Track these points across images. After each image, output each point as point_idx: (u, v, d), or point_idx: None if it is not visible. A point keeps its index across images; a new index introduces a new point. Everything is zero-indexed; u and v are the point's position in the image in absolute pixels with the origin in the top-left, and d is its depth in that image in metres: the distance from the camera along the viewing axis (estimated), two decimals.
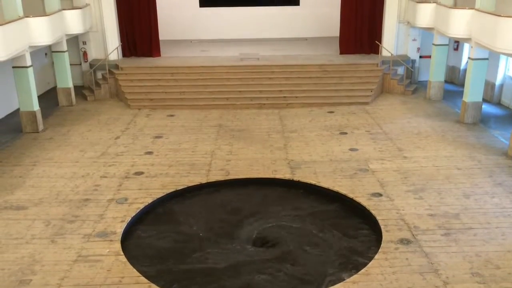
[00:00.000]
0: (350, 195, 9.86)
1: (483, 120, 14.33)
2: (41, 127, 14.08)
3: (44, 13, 15.00)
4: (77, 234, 8.57)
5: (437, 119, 14.68)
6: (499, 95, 16.13)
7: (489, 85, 16.00)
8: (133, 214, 9.23)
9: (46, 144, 13.01)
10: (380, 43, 18.23)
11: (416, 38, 18.46)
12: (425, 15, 16.48)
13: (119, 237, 8.46)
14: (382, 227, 8.66)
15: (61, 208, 9.51)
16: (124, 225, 8.84)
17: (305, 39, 22.37)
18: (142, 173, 11.10)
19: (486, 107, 15.19)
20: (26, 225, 8.90)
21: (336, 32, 19.69)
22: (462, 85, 15.86)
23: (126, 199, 9.80)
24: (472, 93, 13.97)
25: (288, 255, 8.16)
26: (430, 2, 16.62)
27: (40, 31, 13.88)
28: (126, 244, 8.47)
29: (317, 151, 12.30)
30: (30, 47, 13.64)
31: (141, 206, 9.53)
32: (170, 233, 8.93)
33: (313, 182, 10.53)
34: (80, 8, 17.03)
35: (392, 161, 11.59)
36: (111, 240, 8.36)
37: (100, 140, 13.29)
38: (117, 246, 8.21)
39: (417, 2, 17.03)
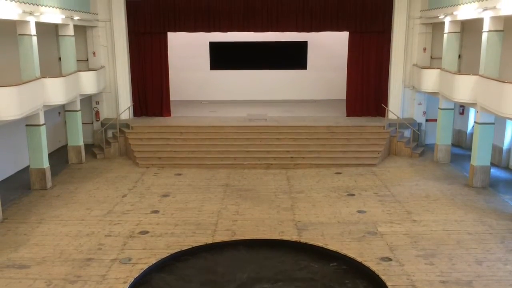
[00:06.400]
0: (359, 259, 9.62)
1: (492, 184, 14.19)
2: (49, 184, 14.17)
3: (60, 74, 15.58)
4: None
5: (446, 182, 14.58)
6: (507, 160, 16.08)
7: (496, 149, 16.01)
8: (136, 275, 9.03)
9: (53, 202, 13.02)
10: (386, 106, 18.56)
11: (422, 102, 18.78)
12: (430, 80, 16.86)
13: None
14: None
15: (63, 267, 9.34)
16: (126, 286, 8.62)
17: (314, 101, 22.85)
18: (147, 232, 10.98)
19: (494, 171, 15.10)
20: (27, 284, 8.70)
21: (343, 95, 20.13)
22: (469, 149, 15.90)
23: (130, 259, 9.63)
24: (480, 157, 13.96)
25: None
26: (434, 68, 17.08)
27: (55, 91, 14.32)
28: None
29: (325, 212, 12.17)
30: (45, 106, 14.03)
31: (145, 266, 9.35)
32: None
33: (320, 244, 10.32)
34: (96, 70, 17.69)
35: (401, 224, 11.39)
36: None
37: (107, 198, 13.29)
38: None
39: (421, 68, 17.51)
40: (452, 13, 15.15)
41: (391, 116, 18.33)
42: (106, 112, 18.99)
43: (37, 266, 9.38)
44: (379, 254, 9.82)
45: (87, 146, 17.80)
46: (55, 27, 17.24)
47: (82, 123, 17.12)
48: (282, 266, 9.69)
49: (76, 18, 15.84)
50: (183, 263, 9.82)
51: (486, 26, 13.22)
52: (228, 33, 19.83)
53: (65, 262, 9.54)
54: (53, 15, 14.18)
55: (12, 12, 11.70)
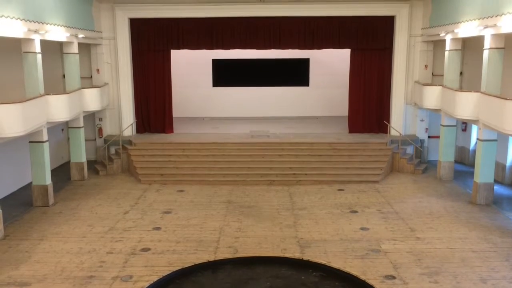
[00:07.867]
0: (362, 277, 9.52)
1: (496, 201, 14.10)
2: (51, 201, 14.14)
3: (64, 91, 15.67)
4: None
5: (449, 199, 14.50)
6: (511, 176, 16.01)
7: (499, 166, 15.96)
8: None
9: (55, 218, 12.98)
10: (389, 123, 18.58)
11: (424, 118, 18.81)
12: (432, 97, 16.90)
13: None
14: None
15: (64, 285, 9.27)
16: None
17: (316, 118, 22.91)
18: (149, 249, 10.92)
19: (498, 188, 15.02)
20: None
21: (345, 112, 20.18)
22: (472, 166, 15.82)
23: (131, 277, 9.56)
24: (483, 174, 13.89)
25: None
26: (436, 85, 17.14)
27: (59, 108, 14.40)
28: None
29: (327, 229, 12.09)
30: (48, 122, 14.09)
31: (146, 284, 9.27)
32: None
33: (323, 262, 10.23)
34: (99, 87, 17.81)
35: (404, 241, 11.30)
36: None
37: (109, 214, 13.25)
38: None
39: (423, 85, 17.57)
40: (453, 31, 15.26)
41: (393, 132, 18.34)
42: (109, 129, 19.07)
43: (38, 284, 9.31)
44: (383, 272, 9.73)
45: (90, 163, 17.83)
46: (59, 45, 17.42)
47: (85, 140, 17.16)
48: (283, 283, 9.58)
49: (80, 36, 16.03)
50: (185, 281, 9.73)
51: (487, 43, 13.30)
52: (231, 50, 20.01)
53: (66, 280, 9.47)
54: (58, 33, 14.35)
55: (17, 30, 11.84)
